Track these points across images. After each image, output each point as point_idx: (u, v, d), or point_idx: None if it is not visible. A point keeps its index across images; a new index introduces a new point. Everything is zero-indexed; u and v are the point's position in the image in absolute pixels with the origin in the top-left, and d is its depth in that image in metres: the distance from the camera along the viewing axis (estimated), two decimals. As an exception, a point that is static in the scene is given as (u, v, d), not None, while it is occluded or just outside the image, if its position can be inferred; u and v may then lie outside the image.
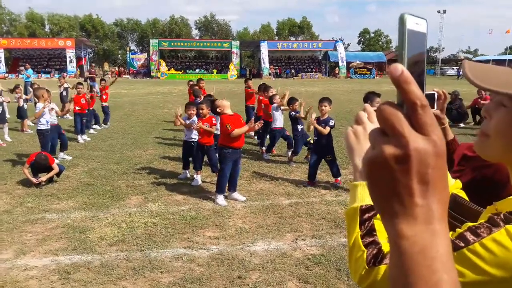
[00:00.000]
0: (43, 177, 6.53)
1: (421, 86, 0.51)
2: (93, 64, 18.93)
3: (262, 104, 9.47)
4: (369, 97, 5.92)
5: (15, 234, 4.81)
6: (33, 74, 22.70)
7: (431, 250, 0.47)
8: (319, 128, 6.47)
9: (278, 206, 5.74)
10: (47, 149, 7.52)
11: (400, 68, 0.48)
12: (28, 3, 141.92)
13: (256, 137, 10.19)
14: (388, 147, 0.48)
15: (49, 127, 7.69)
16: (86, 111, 10.76)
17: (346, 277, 3.86)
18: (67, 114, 13.65)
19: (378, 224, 0.90)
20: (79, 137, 10.24)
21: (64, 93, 14.83)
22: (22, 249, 4.42)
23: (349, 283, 3.77)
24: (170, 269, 3.98)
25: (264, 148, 8.81)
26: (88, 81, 19.33)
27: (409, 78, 0.47)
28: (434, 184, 0.48)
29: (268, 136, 8.99)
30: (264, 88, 9.68)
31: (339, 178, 6.65)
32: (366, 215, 0.90)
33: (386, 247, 0.88)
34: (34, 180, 6.44)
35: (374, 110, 0.98)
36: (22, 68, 23.89)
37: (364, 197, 0.91)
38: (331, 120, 6.57)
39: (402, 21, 0.51)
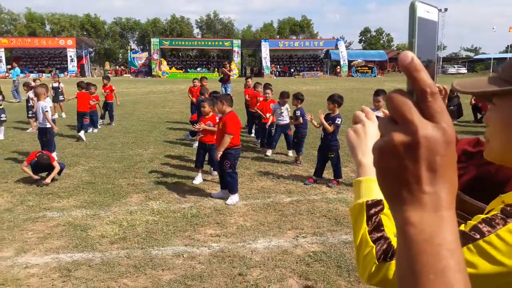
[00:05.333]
0: (48, 179, 6.52)
1: (432, 74, 0.51)
2: (226, 62, 15.84)
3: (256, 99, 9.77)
4: (378, 93, 6.29)
5: (16, 232, 4.81)
6: (20, 73, 22.59)
7: (437, 237, 0.47)
8: (325, 124, 6.47)
9: (279, 203, 5.73)
10: (52, 147, 7.54)
11: (410, 55, 0.47)
12: (28, 3, 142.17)
13: (254, 136, 10.23)
14: (397, 134, 0.48)
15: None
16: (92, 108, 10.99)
17: (347, 274, 3.86)
18: (63, 113, 13.95)
19: (385, 219, 0.89)
20: (80, 134, 10.29)
21: (59, 90, 14.62)
22: (23, 247, 4.42)
23: (349, 280, 3.77)
24: (171, 267, 3.98)
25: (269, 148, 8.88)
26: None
27: (419, 66, 0.47)
28: (443, 172, 0.48)
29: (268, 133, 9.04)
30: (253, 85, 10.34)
31: (337, 180, 6.59)
32: (373, 210, 0.89)
33: (395, 242, 0.87)
34: (35, 176, 6.46)
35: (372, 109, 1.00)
36: (9, 66, 24.12)
37: (369, 192, 0.91)
38: (338, 118, 6.52)
39: (412, 9, 0.51)
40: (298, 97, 7.93)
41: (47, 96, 8.01)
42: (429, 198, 0.48)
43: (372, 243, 0.87)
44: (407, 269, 0.48)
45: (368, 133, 0.95)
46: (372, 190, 0.91)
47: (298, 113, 7.84)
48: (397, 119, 0.49)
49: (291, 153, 8.45)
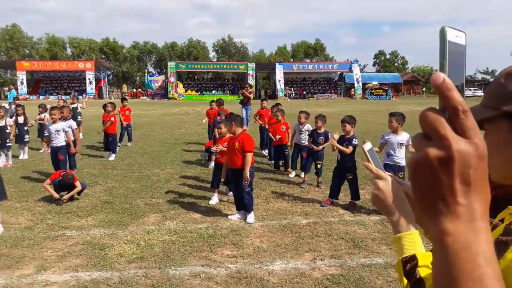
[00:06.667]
0: (66, 196, 6.63)
1: (462, 94, 0.54)
2: (247, 85, 15.35)
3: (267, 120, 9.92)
4: (393, 113, 6.39)
5: (36, 250, 4.87)
6: (41, 95, 23.80)
7: (474, 246, 0.49)
8: (341, 148, 6.45)
9: (296, 225, 5.70)
10: (65, 166, 7.70)
11: (442, 76, 0.51)
12: (49, 27, 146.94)
13: (268, 158, 10.25)
14: (432, 149, 0.51)
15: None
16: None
17: (366, 297, 3.80)
18: (81, 134, 14.13)
19: (423, 271, 0.93)
20: (112, 155, 10.60)
21: (77, 111, 14.81)
22: (42, 265, 4.47)
23: (369, 303, 3.70)
24: (189, 287, 3.97)
25: (289, 168, 8.90)
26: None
27: (451, 85, 0.51)
28: (476, 185, 0.50)
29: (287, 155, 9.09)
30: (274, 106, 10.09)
31: (355, 202, 6.56)
32: (408, 266, 0.93)
33: None
34: (56, 194, 6.56)
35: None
36: (6, 88, 25.39)
37: (406, 249, 0.95)
38: (354, 139, 6.52)
39: (443, 34, 0.55)
40: (323, 119, 7.78)
41: (68, 118, 8.20)
42: (463, 210, 0.50)
43: None
44: (445, 276, 0.50)
45: (388, 192, 1.00)
46: (408, 246, 0.95)
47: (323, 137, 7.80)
48: (431, 135, 0.52)
49: (303, 174, 8.36)
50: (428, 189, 0.52)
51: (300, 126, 8.41)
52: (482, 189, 0.51)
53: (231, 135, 6.22)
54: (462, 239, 0.50)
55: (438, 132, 0.51)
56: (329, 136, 7.74)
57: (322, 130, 7.76)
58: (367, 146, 1.03)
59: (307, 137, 8.21)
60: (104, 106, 11.09)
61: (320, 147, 7.68)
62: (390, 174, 1.00)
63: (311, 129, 8.13)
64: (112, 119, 10.87)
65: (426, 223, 0.54)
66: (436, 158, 0.50)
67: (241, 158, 5.83)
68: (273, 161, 9.62)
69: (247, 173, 5.74)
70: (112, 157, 10.52)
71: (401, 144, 6.18)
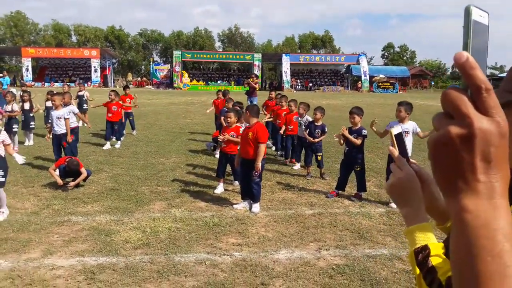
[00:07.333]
0: (72, 183, 6.65)
1: (484, 73, 0.54)
2: (253, 75, 14.65)
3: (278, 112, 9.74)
4: (402, 103, 6.25)
5: (42, 234, 4.91)
6: (46, 82, 23.79)
7: (493, 222, 0.50)
8: (352, 139, 6.41)
9: (301, 215, 5.71)
10: (70, 153, 7.71)
11: (466, 54, 0.51)
12: (54, 14, 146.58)
13: (273, 148, 10.22)
14: (453, 127, 0.51)
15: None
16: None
17: (370, 287, 3.81)
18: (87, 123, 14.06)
19: (435, 260, 0.92)
20: (118, 143, 10.56)
21: (83, 99, 14.73)
22: (49, 249, 4.50)
23: (374, 293, 3.71)
24: (194, 273, 4.00)
25: (294, 159, 8.81)
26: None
27: (474, 64, 0.51)
28: (497, 162, 0.51)
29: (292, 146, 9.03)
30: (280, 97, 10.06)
31: (361, 193, 6.54)
32: (420, 256, 0.94)
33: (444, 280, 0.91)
34: (60, 181, 6.59)
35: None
36: (0, 74, 25.29)
37: (418, 240, 0.94)
38: (363, 130, 6.49)
39: (467, 12, 0.54)
40: (322, 111, 7.83)
41: (69, 103, 8.22)
42: (483, 187, 0.51)
43: (427, 287, 0.92)
44: (465, 253, 0.50)
45: (406, 183, 0.96)
46: (419, 238, 0.94)
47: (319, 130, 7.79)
48: (453, 113, 0.52)
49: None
50: (448, 167, 0.53)
51: (300, 118, 8.39)
52: (502, 167, 0.52)
53: (239, 125, 6.18)
54: (482, 216, 0.50)
55: (460, 110, 0.51)
56: (326, 130, 7.75)
57: (320, 122, 7.79)
58: (396, 130, 0.99)
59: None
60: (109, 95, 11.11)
61: (316, 139, 7.67)
62: (414, 162, 0.98)
63: (310, 120, 8.10)
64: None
65: (446, 202, 0.54)
66: (458, 136, 0.51)
67: (254, 149, 5.82)
68: (278, 152, 9.62)
69: (259, 164, 5.74)
70: (118, 144, 10.55)
71: (406, 133, 6.14)
